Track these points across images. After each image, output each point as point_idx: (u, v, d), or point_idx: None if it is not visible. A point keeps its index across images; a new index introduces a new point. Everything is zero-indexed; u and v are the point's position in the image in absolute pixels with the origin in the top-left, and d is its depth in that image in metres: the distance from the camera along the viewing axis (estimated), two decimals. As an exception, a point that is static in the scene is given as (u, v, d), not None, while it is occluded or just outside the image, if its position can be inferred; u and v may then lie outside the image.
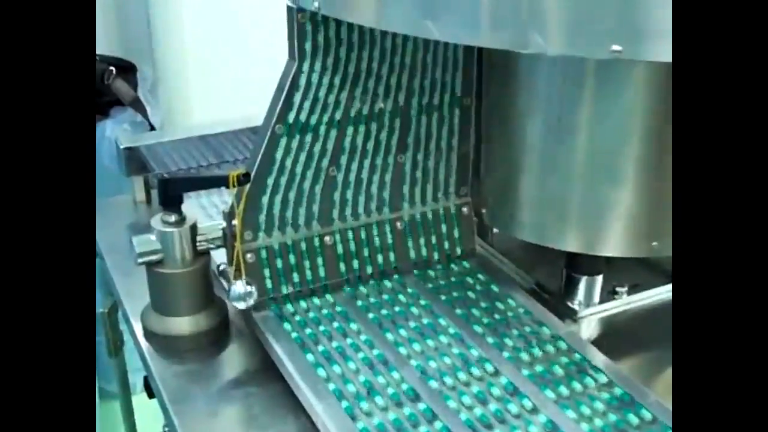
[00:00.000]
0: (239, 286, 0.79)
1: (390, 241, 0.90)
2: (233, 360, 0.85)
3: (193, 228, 0.83)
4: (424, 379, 0.75)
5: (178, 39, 1.40)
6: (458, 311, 0.84)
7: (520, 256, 1.00)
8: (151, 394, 0.86)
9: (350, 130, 0.85)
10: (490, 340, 0.80)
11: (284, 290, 0.85)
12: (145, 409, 1.11)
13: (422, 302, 0.86)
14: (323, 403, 0.71)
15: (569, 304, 0.91)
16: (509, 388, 0.73)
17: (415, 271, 0.91)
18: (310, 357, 0.77)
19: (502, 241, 1.03)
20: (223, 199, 1.04)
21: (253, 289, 0.79)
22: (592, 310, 0.91)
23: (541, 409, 0.71)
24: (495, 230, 1.02)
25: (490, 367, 0.76)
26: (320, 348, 0.79)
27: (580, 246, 0.86)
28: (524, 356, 0.78)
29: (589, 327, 0.91)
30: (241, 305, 0.79)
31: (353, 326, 0.82)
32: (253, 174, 0.81)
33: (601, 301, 0.92)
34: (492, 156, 0.90)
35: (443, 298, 0.87)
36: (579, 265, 0.91)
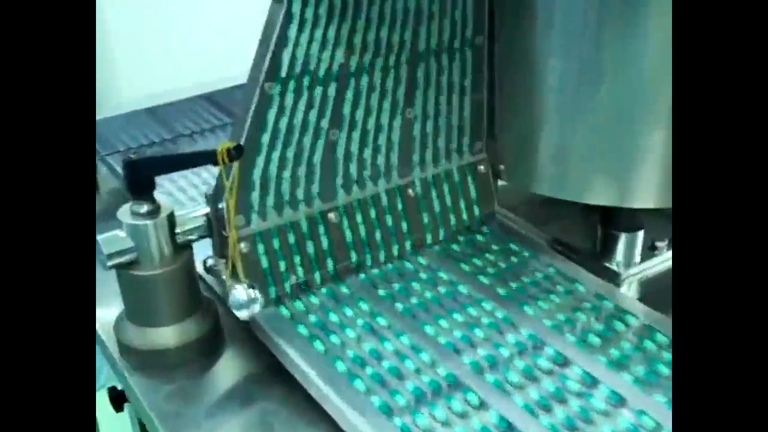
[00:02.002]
0: (240, 292, 0.65)
1: (401, 211, 0.77)
2: (232, 370, 0.70)
3: (171, 218, 0.68)
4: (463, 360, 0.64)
5: None
6: (501, 290, 0.73)
7: (528, 213, 0.89)
8: (118, 408, 0.74)
9: (351, 84, 0.70)
10: (548, 321, 0.69)
11: (287, 282, 0.71)
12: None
13: (444, 276, 0.75)
14: (352, 406, 0.60)
15: (608, 264, 0.80)
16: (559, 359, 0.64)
17: (436, 247, 0.78)
18: (339, 365, 0.64)
19: (506, 198, 0.90)
20: (203, 178, 0.89)
21: (257, 294, 0.65)
22: (635, 270, 0.80)
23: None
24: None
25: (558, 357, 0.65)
26: (348, 352, 0.65)
27: (611, 199, 0.75)
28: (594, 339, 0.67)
29: (630, 288, 0.80)
30: (245, 314, 0.65)
31: (380, 320, 0.69)
32: (242, 143, 0.66)
33: (643, 259, 0.81)
34: (508, 104, 0.79)
35: (467, 269, 0.76)
36: (617, 220, 0.80)
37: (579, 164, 0.74)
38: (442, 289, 0.72)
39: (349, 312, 0.70)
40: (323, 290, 0.72)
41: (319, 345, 0.66)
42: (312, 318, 0.69)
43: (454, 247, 0.79)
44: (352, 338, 0.67)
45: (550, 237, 0.85)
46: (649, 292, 0.80)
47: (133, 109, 1.01)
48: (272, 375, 0.68)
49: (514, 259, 0.77)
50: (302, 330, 0.68)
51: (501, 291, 0.72)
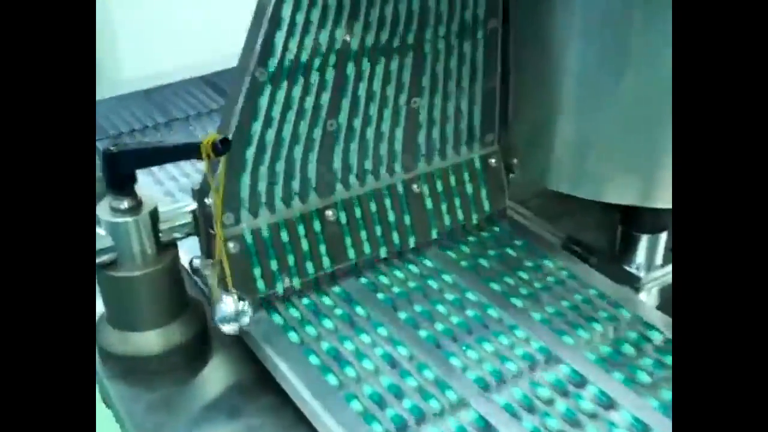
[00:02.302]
0: (228, 305, 0.59)
1: (405, 209, 0.71)
2: (220, 378, 0.65)
3: (154, 214, 0.62)
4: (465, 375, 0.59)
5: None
6: (516, 301, 0.67)
7: (540, 207, 0.83)
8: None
9: (351, 70, 0.64)
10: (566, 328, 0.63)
11: (280, 286, 0.66)
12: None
13: (449, 280, 0.69)
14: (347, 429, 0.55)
15: (627, 267, 0.74)
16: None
17: (441, 248, 0.73)
18: (333, 379, 0.59)
19: (517, 190, 0.85)
20: (192, 168, 0.84)
21: (246, 306, 0.60)
22: (656, 274, 0.74)
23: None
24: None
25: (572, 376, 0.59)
26: (344, 366, 0.60)
27: (633, 198, 0.70)
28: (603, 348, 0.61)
29: (650, 293, 0.74)
30: (232, 328, 0.60)
31: (380, 330, 0.64)
32: (230, 136, 0.60)
33: (665, 263, 0.75)
34: (523, 92, 0.73)
35: (474, 273, 0.70)
36: (639, 220, 0.74)
37: (599, 159, 0.69)
38: (448, 296, 0.67)
39: (346, 319, 0.65)
40: (319, 294, 0.67)
41: (312, 357, 0.61)
42: (306, 325, 0.64)
43: (462, 247, 0.73)
44: (350, 350, 0.61)
45: (564, 235, 0.80)
46: (669, 297, 0.74)
47: (126, 92, 0.95)
48: (262, 384, 0.63)
49: (527, 263, 0.71)
50: (294, 338, 0.63)
51: (516, 302, 0.67)
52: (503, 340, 0.62)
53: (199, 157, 0.57)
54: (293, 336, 0.63)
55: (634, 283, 0.73)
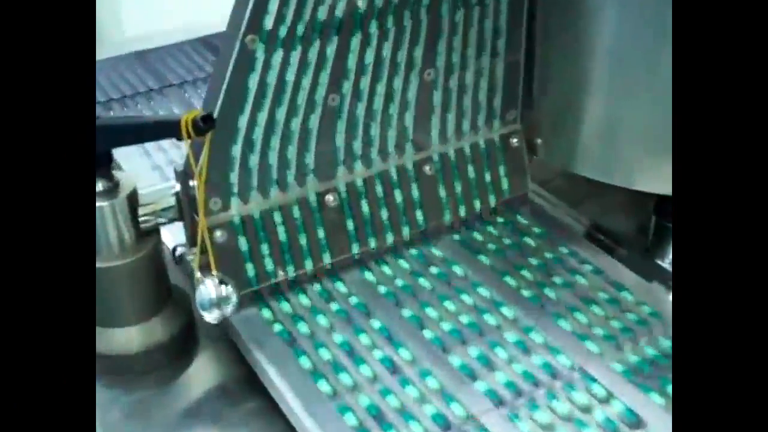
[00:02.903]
0: (209, 288, 0.53)
1: (416, 193, 0.64)
2: (204, 378, 0.59)
3: (132, 197, 0.56)
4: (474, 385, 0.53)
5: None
6: (535, 300, 0.60)
7: (563, 188, 0.77)
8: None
9: (356, 37, 0.57)
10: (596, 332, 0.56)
11: (273, 279, 0.59)
12: None
13: (459, 272, 0.63)
14: None
15: (660, 263, 0.68)
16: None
17: (454, 236, 0.66)
18: (325, 386, 0.53)
19: (537, 170, 0.77)
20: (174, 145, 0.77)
21: (230, 291, 0.53)
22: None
23: None
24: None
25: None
26: (338, 372, 0.54)
27: (669, 186, 0.61)
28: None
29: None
30: (214, 316, 0.54)
31: (381, 329, 0.57)
32: (216, 112, 0.53)
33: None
34: (550, 65, 0.66)
35: (489, 264, 0.63)
36: (675, 211, 0.66)
37: (632, 143, 0.63)
38: (458, 291, 0.60)
39: (343, 316, 0.58)
40: (316, 288, 0.60)
41: (304, 359, 0.54)
42: (298, 323, 0.57)
43: (476, 235, 0.66)
44: (346, 353, 0.55)
45: (589, 222, 0.73)
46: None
47: (119, 53, 0.88)
48: (250, 386, 0.57)
49: (547, 255, 0.64)
50: (286, 338, 0.56)
51: (533, 300, 0.60)
52: (518, 346, 0.56)
53: (180, 137, 0.50)
54: (284, 335, 0.56)
55: (666, 278, 0.66)
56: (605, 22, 0.60)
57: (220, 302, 0.53)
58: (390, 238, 0.63)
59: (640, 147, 0.63)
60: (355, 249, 0.62)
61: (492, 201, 0.68)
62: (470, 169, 0.66)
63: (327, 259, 0.61)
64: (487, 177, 0.67)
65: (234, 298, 0.54)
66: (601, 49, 0.61)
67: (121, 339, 0.58)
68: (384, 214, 0.63)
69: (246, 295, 0.58)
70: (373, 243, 0.63)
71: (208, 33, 0.91)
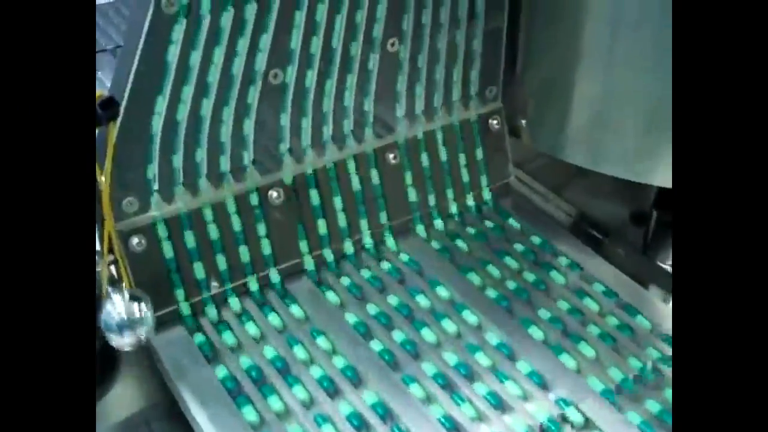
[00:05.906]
0: (118, 307, 0.43)
1: (377, 184, 0.54)
2: (123, 410, 0.50)
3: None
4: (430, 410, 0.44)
5: None
6: (504, 303, 0.51)
7: (548, 173, 0.70)
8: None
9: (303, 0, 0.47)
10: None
11: (204, 292, 0.50)
12: None
13: (427, 276, 0.54)
14: None
15: (661, 264, 0.62)
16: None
17: (421, 235, 0.56)
18: (249, 413, 0.43)
19: (519, 151, 0.69)
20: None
21: (145, 310, 0.44)
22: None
23: None
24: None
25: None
26: (269, 398, 0.44)
27: (670, 179, 0.56)
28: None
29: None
30: (126, 341, 0.44)
31: (320, 341, 0.48)
32: (126, 94, 0.43)
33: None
34: (537, 37, 0.58)
35: (462, 267, 0.54)
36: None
37: (630, 127, 0.55)
38: (421, 300, 0.51)
39: (287, 335, 0.49)
40: (255, 303, 0.51)
41: (230, 383, 0.45)
42: (229, 339, 0.48)
43: (449, 232, 0.57)
44: (278, 370, 0.46)
45: (576, 211, 0.67)
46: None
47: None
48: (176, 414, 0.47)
49: (529, 256, 0.55)
50: (219, 370, 0.46)
51: (502, 303, 0.51)
52: (481, 360, 0.47)
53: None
54: (207, 351, 0.47)
55: (667, 282, 0.58)
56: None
57: (131, 324, 0.43)
58: (346, 239, 0.54)
59: (641, 131, 0.55)
60: (306, 254, 0.52)
61: (467, 191, 0.58)
62: (443, 155, 0.57)
63: (270, 266, 0.51)
64: (462, 164, 0.58)
65: (149, 319, 0.44)
66: (598, 14, 0.53)
67: (21, 365, 0.48)
68: (338, 211, 0.53)
69: (172, 313, 0.49)
70: (327, 246, 0.53)
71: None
